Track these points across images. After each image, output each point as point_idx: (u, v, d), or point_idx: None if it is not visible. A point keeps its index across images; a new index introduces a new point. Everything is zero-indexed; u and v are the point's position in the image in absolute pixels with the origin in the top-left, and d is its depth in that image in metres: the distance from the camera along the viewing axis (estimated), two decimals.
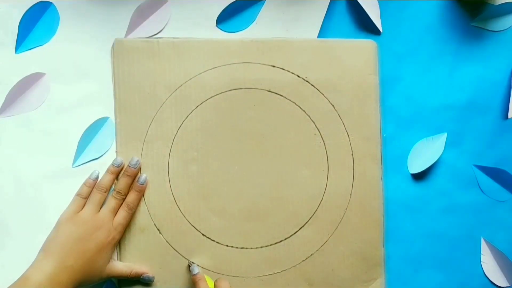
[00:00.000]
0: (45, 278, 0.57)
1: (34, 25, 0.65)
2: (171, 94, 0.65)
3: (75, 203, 0.62)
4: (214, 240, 0.65)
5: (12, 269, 0.59)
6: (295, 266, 0.66)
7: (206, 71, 0.66)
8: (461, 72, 0.70)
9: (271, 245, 0.66)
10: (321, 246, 0.66)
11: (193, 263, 0.64)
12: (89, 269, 0.59)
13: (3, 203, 0.63)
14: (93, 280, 0.60)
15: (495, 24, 0.70)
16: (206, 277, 0.62)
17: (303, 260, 0.66)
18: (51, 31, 0.65)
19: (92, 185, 0.63)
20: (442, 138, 0.69)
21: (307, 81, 0.67)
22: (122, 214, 0.62)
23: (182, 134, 0.65)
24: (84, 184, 0.63)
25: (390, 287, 0.68)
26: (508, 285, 0.69)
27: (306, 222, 0.66)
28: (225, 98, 0.66)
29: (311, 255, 0.66)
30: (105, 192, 0.63)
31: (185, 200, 0.65)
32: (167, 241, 0.65)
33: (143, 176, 0.64)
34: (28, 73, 0.64)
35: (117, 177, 0.64)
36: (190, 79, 0.65)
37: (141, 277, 0.63)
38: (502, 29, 0.70)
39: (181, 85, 0.65)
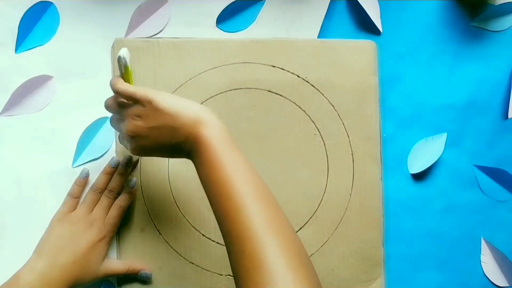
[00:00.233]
0: (36, 277, 0.57)
1: (34, 25, 0.65)
2: (171, 94, 0.65)
3: (67, 203, 0.62)
4: (214, 240, 0.65)
5: (12, 269, 0.59)
6: None
7: (206, 71, 0.66)
8: (461, 72, 0.70)
9: None
10: (321, 246, 0.66)
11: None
12: (82, 268, 0.59)
13: (3, 203, 0.63)
14: (88, 279, 0.60)
15: (495, 24, 0.70)
16: None
17: None
18: (51, 31, 0.65)
19: (83, 183, 0.63)
20: (442, 138, 0.69)
21: (307, 81, 0.67)
22: (113, 214, 0.62)
23: None
24: (75, 183, 0.63)
25: (390, 287, 0.68)
26: (508, 285, 0.69)
27: (306, 222, 0.66)
28: (225, 98, 0.66)
29: (311, 255, 0.66)
30: (100, 193, 0.63)
31: (185, 200, 0.65)
32: (166, 241, 0.65)
33: (133, 179, 0.64)
34: (28, 73, 0.64)
35: None
36: (190, 79, 0.65)
37: (139, 274, 0.63)
38: (502, 29, 0.70)
39: (181, 85, 0.65)
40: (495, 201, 0.70)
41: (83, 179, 0.63)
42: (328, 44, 0.68)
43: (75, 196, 0.63)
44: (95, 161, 0.65)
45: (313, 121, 0.67)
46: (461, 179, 0.70)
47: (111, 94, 0.65)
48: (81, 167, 0.64)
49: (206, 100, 0.66)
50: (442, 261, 0.69)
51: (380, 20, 0.69)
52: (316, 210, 0.66)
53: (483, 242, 0.70)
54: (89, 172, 0.64)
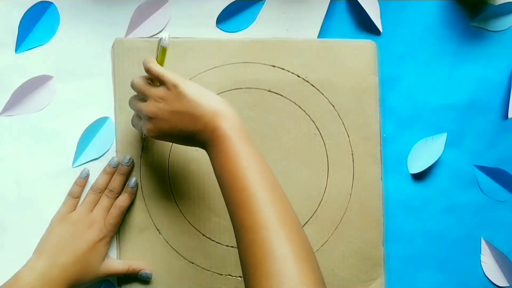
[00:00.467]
0: (36, 277, 0.57)
1: (34, 25, 0.65)
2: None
3: (67, 203, 0.62)
4: (214, 240, 0.65)
5: (12, 269, 0.59)
6: None
7: (206, 71, 0.66)
8: (461, 72, 0.70)
9: None
10: (321, 246, 0.66)
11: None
12: (82, 267, 0.59)
13: (3, 203, 0.63)
14: (88, 279, 0.60)
15: (495, 24, 0.70)
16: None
17: None
18: (51, 31, 0.65)
19: (83, 183, 0.63)
20: (442, 138, 0.69)
21: (307, 81, 0.67)
22: (113, 214, 0.62)
23: None
24: (75, 183, 0.63)
25: (390, 287, 0.68)
26: (508, 285, 0.69)
27: (306, 222, 0.66)
28: (225, 98, 0.65)
29: None
30: (100, 193, 0.63)
31: (185, 200, 0.65)
32: (167, 241, 0.65)
33: (133, 179, 0.64)
34: (28, 73, 0.64)
35: None
36: (190, 79, 0.65)
37: (139, 273, 0.63)
38: (502, 29, 0.70)
39: None
40: (495, 201, 0.70)
41: (83, 179, 0.63)
42: (328, 44, 0.68)
43: (75, 196, 0.63)
44: (95, 161, 0.65)
45: (313, 121, 0.67)
46: (461, 179, 0.70)
47: (111, 94, 0.65)
48: (81, 167, 0.64)
49: None
50: (442, 261, 0.69)
51: (380, 20, 0.69)
52: (316, 210, 0.66)
53: (483, 242, 0.70)
54: (89, 172, 0.64)
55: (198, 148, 0.65)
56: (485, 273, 0.69)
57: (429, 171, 0.69)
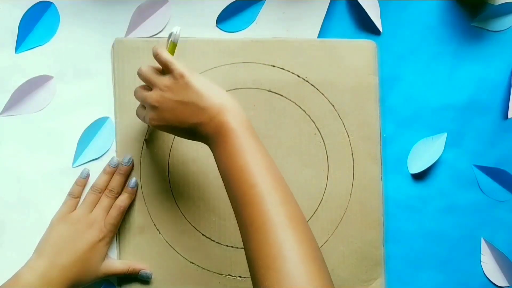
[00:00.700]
0: (36, 277, 0.57)
1: (34, 25, 0.65)
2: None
3: (67, 203, 0.62)
4: (214, 240, 0.65)
5: (12, 268, 0.59)
6: None
7: (206, 71, 0.66)
8: (461, 72, 0.70)
9: None
10: (321, 246, 0.66)
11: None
12: (82, 267, 0.59)
13: (3, 203, 0.63)
14: (88, 279, 0.60)
15: (495, 24, 0.70)
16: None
17: None
18: (51, 31, 0.65)
19: (83, 183, 0.63)
20: (442, 138, 0.69)
21: (307, 81, 0.67)
22: (113, 214, 0.62)
23: None
24: (75, 183, 0.63)
25: (390, 287, 0.68)
26: (508, 285, 0.69)
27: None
28: None
29: None
30: (100, 193, 0.63)
31: (185, 200, 0.65)
32: (167, 241, 0.65)
33: (133, 179, 0.64)
34: (28, 73, 0.64)
35: None
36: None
37: (139, 273, 0.63)
38: (502, 29, 0.70)
39: None
40: (495, 201, 0.70)
41: (84, 179, 0.63)
42: (328, 44, 0.68)
43: (75, 196, 0.63)
44: (95, 161, 0.65)
45: (313, 121, 0.67)
46: (461, 179, 0.70)
47: (111, 94, 0.65)
48: (81, 167, 0.64)
49: None
50: (442, 261, 0.69)
51: (380, 20, 0.69)
52: (316, 210, 0.66)
53: (483, 242, 0.70)
54: (90, 172, 0.64)
55: (198, 148, 0.65)
56: (485, 273, 0.69)
57: (429, 171, 0.69)
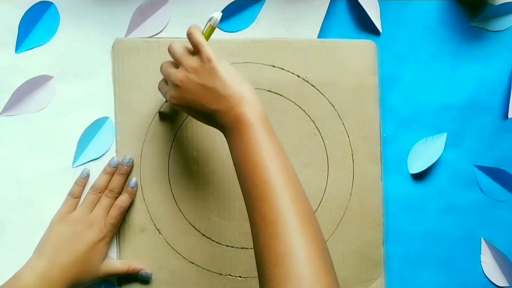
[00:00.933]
0: (36, 277, 0.57)
1: (35, 25, 0.65)
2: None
3: (67, 203, 0.62)
4: (214, 240, 0.65)
5: (12, 269, 0.59)
6: None
7: None
8: (461, 72, 0.70)
9: None
10: None
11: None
12: (82, 267, 0.59)
13: (3, 203, 0.63)
14: (88, 279, 0.60)
15: (495, 24, 0.70)
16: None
17: None
18: (51, 31, 0.65)
19: (83, 183, 0.63)
20: (442, 138, 0.69)
21: (307, 81, 0.67)
22: (113, 214, 0.62)
23: (182, 134, 0.65)
24: (75, 183, 0.63)
25: (390, 287, 0.68)
26: (508, 285, 0.69)
27: None
28: None
29: None
30: (100, 193, 0.63)
31: (185, 200, 0.65)
32: (167, 241, 0.65)
33: (133, 179, 0.64)
34: (28, 73, 0.64)
35: None
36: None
37: (139, 273, 0.63)
38: (502, 29, 0.70)
39: None
40: (495, 201, 0.70)
41: (84, 179, 0.63)
42: (328, 44, 0.68)
43: (75, 196, 0.63)
44: (95, 161, 0.65)
45: (313, 121, 0.67)
46: (461, 179, 0.70)
47: (111, 94, 0.65)
48: (81, 167, 0.64)
49: None
50: (442, 261, 0.69)
51: (380, 20, 0.69)
52: (316, 210, 0.66)
53: (483, 242, 0.70)
54: (90, 172, 0.64)
55: (198, 148, 0.65)
56: (485, 273, 0.69)
57: (429, 171, 0.69)
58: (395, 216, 0.68)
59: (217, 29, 0.67)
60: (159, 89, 0.60)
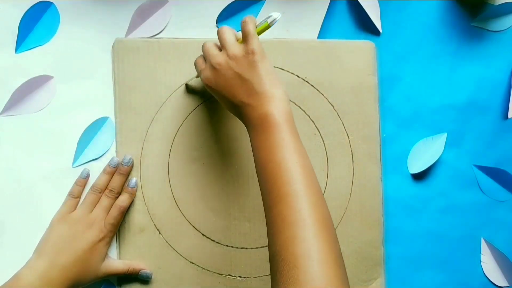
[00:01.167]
0: (37, 277, 0.57)
1: (35, 25, 0.65)
2: (171, 94, 0.65)
3: (67, 203, 0.62)
4: (214, 240, 0.65)
5: (11, 268, 0.59)
6: None
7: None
8: (461, 72, 0.70)
9: None
10: None
11: None
12: (82, 267, 0.59)
13: (3, 203, 0.63)
14: (88, 279, 0.60)
15: (495, 24, 0.70)
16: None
17: None
18: (51, 31, 0.65)
19: (83, 183, 0.63)
20: (442, 138, 0.69)
21: (307, 81, 0.67)
22: (113, 214, 0.62)
23: (182, 134, 0.65)
24: (75, 183, 0.63)
25: (390, 287, 0.68)
26: (508, 285, 0.69)
27: None
28: None
29: None
30: (100, 193, 0.63)
31: (185, 200, 0.65)
32: (166, 241, 0.65)
33: (133, 179, 0.64)
34: (28, 73, 0.64)
35: None
36: (191, 79, 0.65)
37: (139, 273, 0.63)
38: (502, 29, 0.70)
39: (181, 85, 0.65)
40: (495, 201, 0.70)
41: (84, 179, 0.63)
42: (328, 44, 0.68)
43: (75, 196, 0.63)
44: (95, 161, 0.65)
45: (312, 121, 0.67)
46: (461, 179, 0.70)
47: (111, 94, 0.65)
48: (81, 167, 0.64)
49: (207, 100, 0.66)
50: (442, 261, 0.69)
51: (380, 20, 0.69)
52: None
53: (483, 242, 0.70)
54: (90, 172, 0.64)
55: (198, 148, 0.65)
56: (485, 273, 0.69)
57: (429, 171, 0.69)
58: (395, 216, 0.68)
59: (217, 29, 0.67)
60: (195, 64, 0.60)
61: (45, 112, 0.64)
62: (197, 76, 0.63)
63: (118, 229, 0.64)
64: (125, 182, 0.64)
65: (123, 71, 0.65)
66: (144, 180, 0.65)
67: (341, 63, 0.67)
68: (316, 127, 0.67)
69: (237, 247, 0.65)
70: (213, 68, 0.55)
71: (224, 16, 0.67)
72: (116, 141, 0.65)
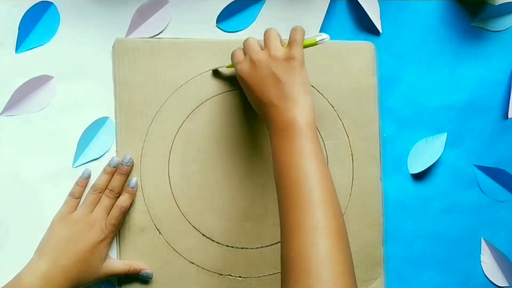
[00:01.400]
0: (38, 278, 0.57)
1: (35, 25, 0.65)
2: (171, 94, 0.65)
3: (68, 204, 0.62)
4: (214, 240, 0.65)
5: (12, 269, 0.59)
6: None
7: (206, 71, 0.66)
8: (461, 72, 0.70)
9: (271, 245, 0.66)
10: None
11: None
12: (83, 268, 0.59)
13: (4, 203, 0.63)
14: (89, 279, 0.60)
15: (495, 24, 0.70)
16: None
17: None
18: (51, 31, 0.65)
19: (84, 184, 0.63)
20: (442, 138, 0.69)
21: None
22: (114, 215, 0.62)
23: (182, 134, 0.65)
24: (76, 183, 0.63)
25: (390, 287, 0.68)
26: (508, 285, 0.69)
27: None
28: (226, 98, 0.66)
29: None
30: (100, 193, 0.63)
31: (185, 200, 0.65)
32: (167, 241, 0.65)
33: (133, 179, 0.64)
34: (28, 73, 0.64)
35: None
36: (191, 79, 0.65)
37: (140, 273, 0.63)
38: (502, 29, 0.70)
39: (181, 85, 0.65)
40: (495, 201, 0.70)
41: (85, 180, 0.63)
42: (327, 45, 0.67)
43: (76, 196, 0.63)
44: (95, 161, 0.65)
45: None
46: (461, 179, 0.70)
47: (111, 94, 0.65)
48: (82, 167, 0.64)
49: (207, 100, 0.66)
50: (442, 261, 0.69)
51: (380, 20, 0.69)
52: None
53: (483, 242, 0.70)
54: (91, 172, 0.64)
55: (198, 148, 0.65)
56: (485, 273, 0.69)
57: (429, 171, 0.69)
58: (395, 216, 0.68)
59: (217, 29, 0.67)
60: (232, 54, 0.61)
61: (45, 112, 0.64)
62: (228, 66, 0.64)
63: (118, 229, 0.64)
64: (125, 182, 0.64)
65: (123, 71, 0.65)
66: (144, 180, 0.65)
67: (341, 64, 0.67)
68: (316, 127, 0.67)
69: (237, 247, 0.65)
70: (252, 62, 0.56)
71: (224, 16, 0.67)
72: (116, 141, 0.65)
